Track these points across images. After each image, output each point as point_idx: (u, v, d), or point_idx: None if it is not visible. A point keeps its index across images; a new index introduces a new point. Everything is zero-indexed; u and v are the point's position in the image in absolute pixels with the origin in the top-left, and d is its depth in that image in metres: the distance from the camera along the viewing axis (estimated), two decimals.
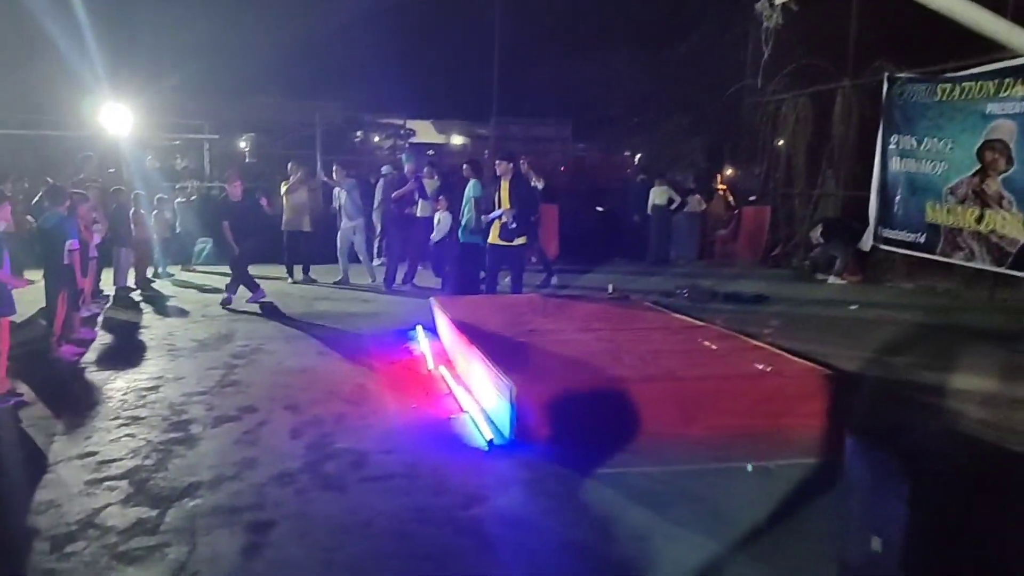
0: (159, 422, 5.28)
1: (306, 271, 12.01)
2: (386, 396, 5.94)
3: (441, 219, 11.19)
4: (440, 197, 11.26)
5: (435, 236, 11.17)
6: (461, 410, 5.55)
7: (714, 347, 5.96)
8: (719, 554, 3.57)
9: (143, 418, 5.36)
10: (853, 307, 10.47)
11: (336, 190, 12.01)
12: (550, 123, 26.32)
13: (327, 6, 18.18)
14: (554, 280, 11.27)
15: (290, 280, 11.73)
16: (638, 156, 23.43)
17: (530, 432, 4.83)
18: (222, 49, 15.44)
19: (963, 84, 11.24)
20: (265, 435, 5.06)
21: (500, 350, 5.66)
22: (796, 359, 5.65)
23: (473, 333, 6.25)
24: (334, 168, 12.35)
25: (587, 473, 4.42)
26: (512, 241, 8.86)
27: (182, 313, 9.04)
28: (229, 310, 9.34)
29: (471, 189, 10.42)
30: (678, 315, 7.64)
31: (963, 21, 6.61)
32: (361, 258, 11.84)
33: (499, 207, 8.81)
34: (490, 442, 4.87)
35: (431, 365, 6.69)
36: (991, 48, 10.89)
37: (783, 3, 7.04)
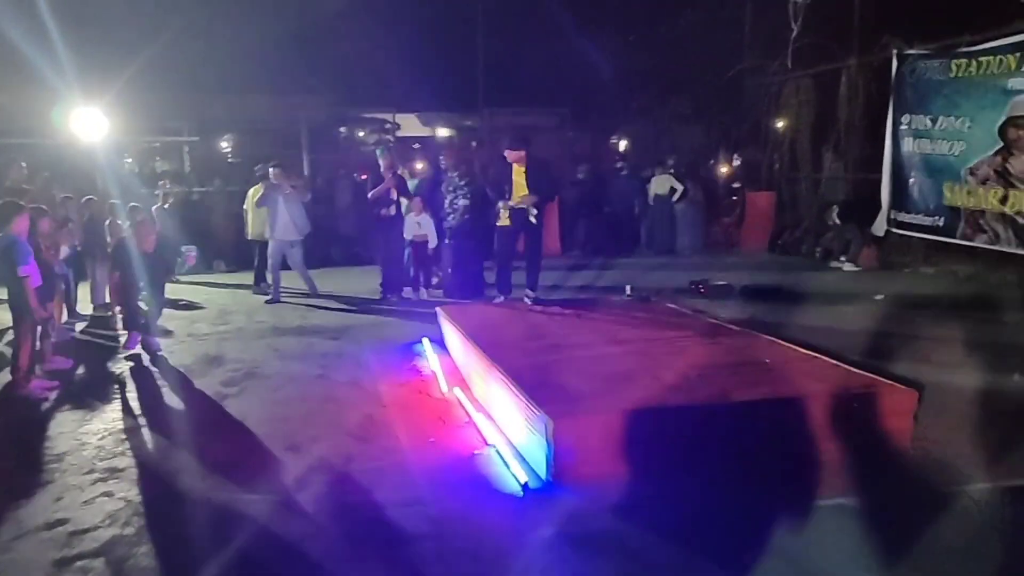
0: (142, 473, 4.60)
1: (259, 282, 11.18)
2: (398, 428, 5.28)
3: (421, 222, 10.27)
4: (416, 198, 10.36)
5: (431, 243, 10.37)
6: (485, 443, 4.91)
7: (765, 360, 5.33)
8: None
9: (122, 470, 4.66)
10: (879, 297, 9.90)
11: (280, 198, 10.13)
12: (540, 111, 25.73)
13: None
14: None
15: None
16: (623, 144, 22.83)
17: (571, 472, 4.19)
18: (202, 45, 14.65)
19: (980, 59, 10.69)
20: (267, 487, 4.38)
21: (525, 371, 5.02)
22: (863, 372, 5.02)
23: (491, 350, 5.60)
24: (271, 171, 10.33)
25: (648, 523, 3.78)
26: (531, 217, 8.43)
27: (165, 333, 8.30)
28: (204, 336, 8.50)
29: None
30: (709, 318, 7.02)
31: None
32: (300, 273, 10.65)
33: (510, 196, 8.37)
34: (524, 485, 4.23)
35: (444, 387, 6.03)
36: (1009, 19, 10.41)
37: None
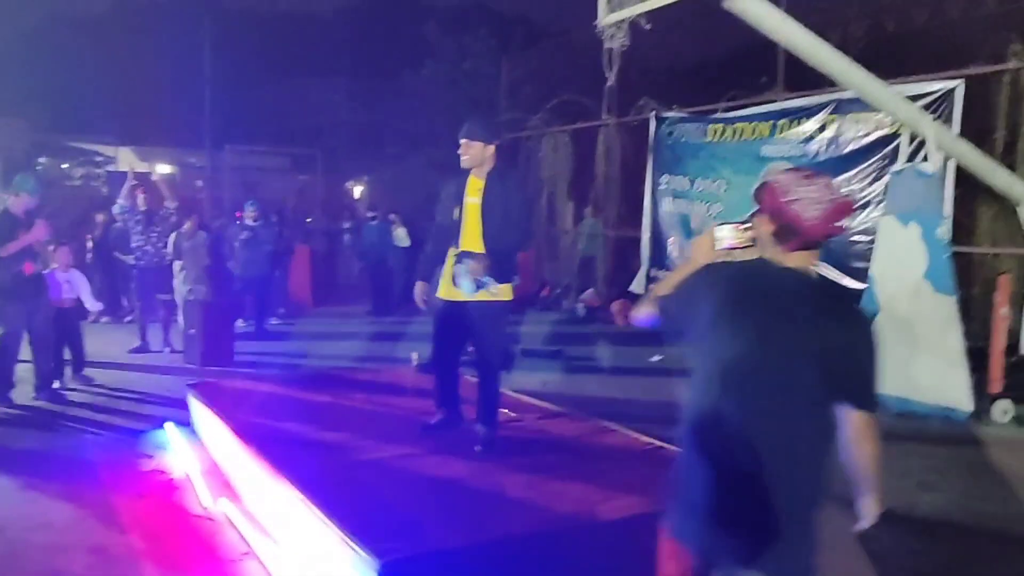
0: None
1: None
2: (146, 567, 3.85)
3: (71, 280, 7.79)
4: (63, 247, 7.93)
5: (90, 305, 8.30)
6: None
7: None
8: None
9: None
10: (655, 359, 9.71)
11: None
12: (272, 152, 24.62)
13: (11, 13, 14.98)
14: None
15: None
16: (358, 190, 22.09)
17: None
18: None
19: (735, 125, 11.07)
20: None
21: (321, 485, 3.83)
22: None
23: (273, 453, 4.31)
24: None
25: None
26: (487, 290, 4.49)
27: None
28: None
29: None
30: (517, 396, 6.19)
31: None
32: None
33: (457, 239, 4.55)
34: None
35: (207, 499, 4.62)
36: (761, 89, 10.91)
37: (632, 19, 5.91)
